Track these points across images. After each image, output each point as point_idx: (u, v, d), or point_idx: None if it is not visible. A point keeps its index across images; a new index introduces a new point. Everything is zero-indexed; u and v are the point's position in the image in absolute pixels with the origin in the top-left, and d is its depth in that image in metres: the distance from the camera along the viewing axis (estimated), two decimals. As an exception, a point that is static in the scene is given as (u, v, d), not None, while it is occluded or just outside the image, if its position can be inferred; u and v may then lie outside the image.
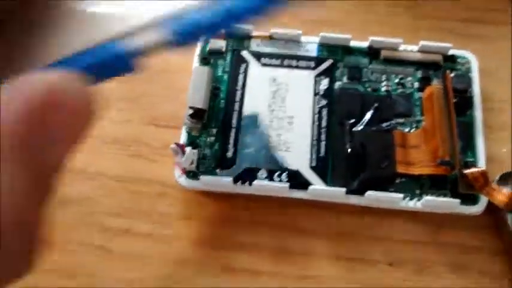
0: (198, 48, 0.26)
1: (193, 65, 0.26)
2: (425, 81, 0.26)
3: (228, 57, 0.26)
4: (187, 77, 0.25)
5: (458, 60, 0.26)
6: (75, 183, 0.25)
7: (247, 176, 0.24)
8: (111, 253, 0.24)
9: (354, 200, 0.23)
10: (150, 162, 0.25)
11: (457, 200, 0.23)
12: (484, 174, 0.23)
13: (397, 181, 0.24)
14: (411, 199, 0.23)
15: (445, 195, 0.23)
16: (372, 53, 0.26)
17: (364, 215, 0.24)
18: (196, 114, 0.24)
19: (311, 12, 0.28)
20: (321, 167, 0.24)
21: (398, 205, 0.23)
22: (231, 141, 0.24)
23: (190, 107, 0.24)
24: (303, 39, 0.27)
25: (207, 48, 0.26)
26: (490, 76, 0.27)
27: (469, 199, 0.23)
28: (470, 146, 0.24)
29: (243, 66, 0.26)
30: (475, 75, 0.26)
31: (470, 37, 0.28)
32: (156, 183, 0.25)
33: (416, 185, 0.24)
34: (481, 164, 0.24)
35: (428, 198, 0.23)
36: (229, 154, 0.24)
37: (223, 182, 0.23)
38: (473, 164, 0.24)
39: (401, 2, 0.29)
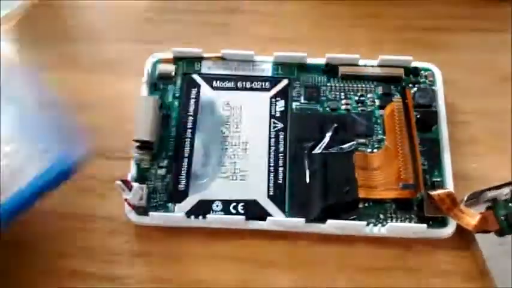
0: (145, 75, 0.25)
1: (141, 93, 0.24)
2: (386, 98, 0.24)
3: (179, 82, 0.25)
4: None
5: (422, 72, 0.25)
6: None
7: (202, 208, 0.22)
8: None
9: (315, 228, 0.22)
10: (99, 197, 0.24)
11: (424, 225, 0.22)
12: (450, 195, 0.22)
13: (360, 206, 0.22)
14: (375, 225, 0.22)
15: (410, 220, 0.22)
16: (330, 70, 0.25)
17: (327, 243, 0.23)
18: (144, 146, 0.23)
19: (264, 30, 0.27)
20: (279, 196, 0.22)
21: (362, 232, 0.22)
22: (183, 172, 0.23)
23: (136, 140, 0.23)
24: (257, 58, 0.25)
25: (156, 73, 0.25)
26: (455, 87, 0.25)
27: (437, 221, 0.22)
28: (437, 164, 0.23)
29: (194, 90, 0.25)
30: (440, 88, 0.25)
31: (434, 47, 0.27)
32: (107, 220, 0.23)
33: (380, 210, 0.22)
34: (448, 184, 0.23)
35: (392, 224, 0.22)
36: (182, 186, 0.23)
37: (175, 217, 0.22)
38: (440, 185, 0.23)
39: (362, 15, 0.28)
